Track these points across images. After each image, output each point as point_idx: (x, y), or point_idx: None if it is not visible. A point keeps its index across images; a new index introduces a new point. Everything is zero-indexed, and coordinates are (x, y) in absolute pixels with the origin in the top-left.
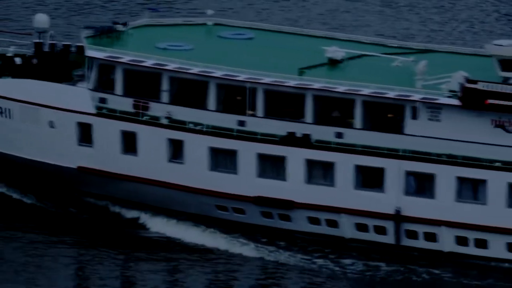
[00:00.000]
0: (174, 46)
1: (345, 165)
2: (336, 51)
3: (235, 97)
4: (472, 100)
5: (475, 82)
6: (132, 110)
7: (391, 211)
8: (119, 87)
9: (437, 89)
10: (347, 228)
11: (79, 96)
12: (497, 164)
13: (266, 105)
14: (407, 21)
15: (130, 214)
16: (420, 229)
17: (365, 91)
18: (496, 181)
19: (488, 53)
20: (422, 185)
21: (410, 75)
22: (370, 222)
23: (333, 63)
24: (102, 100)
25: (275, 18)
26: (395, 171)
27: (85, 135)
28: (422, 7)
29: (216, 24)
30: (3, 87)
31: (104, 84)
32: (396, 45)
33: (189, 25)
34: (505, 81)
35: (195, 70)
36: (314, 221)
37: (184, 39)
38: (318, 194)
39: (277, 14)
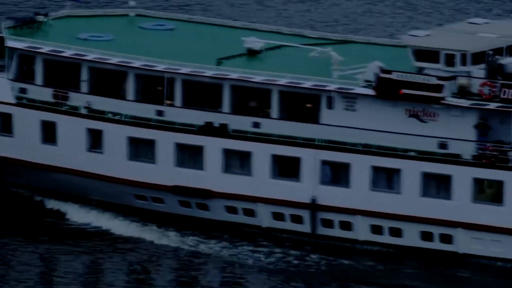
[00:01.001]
0: (95, 37)
1: (261, 155)
2: (254, 42)
3: (153, 87)
4: (386, 90)
5: (389, 72)
6: (52, 100)
7: (307, 200)
8: (39, 77)
9: (353, 79)
10: (264, 217)
11: None
12: (411, 153)
13: (184, 95)
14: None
15: (51, 204)
16: (336, 218)
17: (282, 81)
18: (410, 170)
19: (404, 44)
20: (337, 175)
21: (327, 66)
22: (287, 211)
23: (252, 53)
24: (22, 90)
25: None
26: (311, 161)
27: (5, 125)
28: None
29: (137, 15)
30: None
31: (24, 75)
32: (315, 36)
33: (110, 16)
34: (419, 71)
35: (114, 60)
36: (232, 210)
37: (105, 30)
38: (235, 184)
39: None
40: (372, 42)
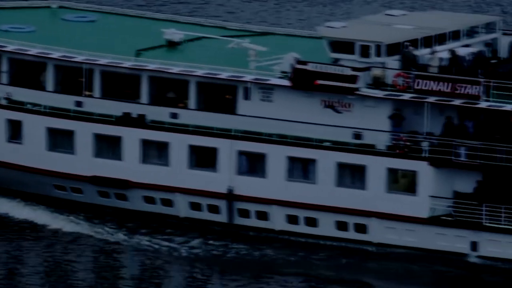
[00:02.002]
0: (16, 28)
1: (179, 145)
2: (174, 33)
3: (73, 78)
4: (302, 81)
5: (305, 63)
6: None
7: (223, 190)
8: None
9: (269, 70)
10: (181, 207)
11: None
12: (326, 143)
13: (103, 86)
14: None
15: None
16: (252, 207)
17: (199, 72)
18: (325, 160)
19: (320, 35)
20: (254, 165)
21: (245, 57)
22: (204, 201)
23: (171, 45)
24: None
25: None
26: (227, 151)
27: None
28: None
29: (60, 7)
30: None
31: None
32: (235, 28)
33: (33, 8)
34: (335, 62)
35: (33, 51)
36: (150, 200)
37: (27, 22)
38: (153, 174)
39: None
40: (291, 34)
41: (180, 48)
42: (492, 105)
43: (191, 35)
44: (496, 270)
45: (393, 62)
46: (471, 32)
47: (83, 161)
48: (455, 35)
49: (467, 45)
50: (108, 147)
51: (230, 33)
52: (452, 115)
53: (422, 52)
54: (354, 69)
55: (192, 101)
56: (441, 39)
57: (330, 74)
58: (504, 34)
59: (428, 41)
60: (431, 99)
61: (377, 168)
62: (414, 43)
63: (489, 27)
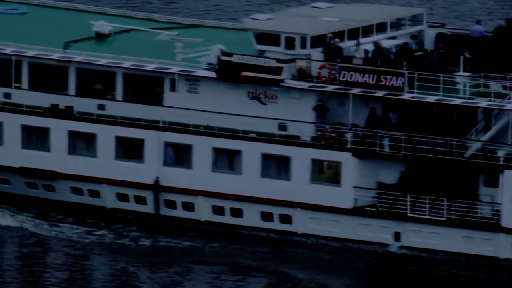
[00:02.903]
0: None
1: (106, 137)
2: (103, 25)
3: (1, 70)
4: (227, 73)
5: (230, 55)
6: None
7: (150, 181)
8: None
9: (196, 62)
10: (108, 198)
11: None
12: (252, 135)
13: (31, 78)
14: None
15: None
16: (178, 198)
17: (125, 64)
18: (250, 152)
19: (246, 27)
20: (180, 156)
21: (173, 49)
22: (131, 192)
23: (100, 37)
24: None
25: None
26: (154, 142)
27: None
28: None
29: None
30: None
31: None
32: (165, 20)
33: None
34: (261, 54)
35: None
36: (77, 191)
37: None
38: (80, 165)
39: None
40: (219, 26)
41: (109, 40)
42: (415, 96)
43: (120, 27)
44: (418, 260)
45: (318, 54)
46: (397, 24)
47: (11, 153)
48: (380, 27)
49: (393, 37)
50: (36, 138)
51: (158, 26)
52: (377, 107)
53: (347, 44)
54: (278, 61)
55: (119, 93)
56: (366, 31)
57: (255, 66)
58: (430, 26)
59: (354, 33)
60: (355, 90)
61: (301, 159)
62: (340, 35)
63: (415, 20)
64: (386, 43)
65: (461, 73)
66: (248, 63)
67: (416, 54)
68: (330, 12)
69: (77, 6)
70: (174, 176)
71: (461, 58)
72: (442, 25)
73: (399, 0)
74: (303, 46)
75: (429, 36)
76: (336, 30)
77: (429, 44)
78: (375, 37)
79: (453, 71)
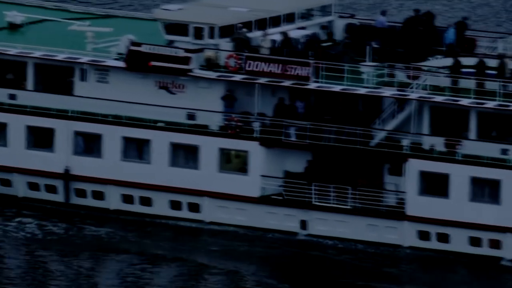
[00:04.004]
0: None
1: (16, 126)
2: (16, 16)
3: None
4: (136, 63)
5: (139, 44)
6: None
7: (60, 170)
8: None
9: (106, 52)
10: (19, 187)
11: None
12: (160, 124)
13: None
14: None
15: None
16: (88, 187)
17: (36, 54)
18: (159, 141)
19: (155, 18)
20: (90, 145)
21: (84, 39)
22: (41, 181)
23: (13, 27)
24: None
25: None
26: (64, 132)
27: None
28: None
29: None
30: None
31: None
32: (78, 11)
33: None
34: (170, 44)
35: None
36: None
37: None
38: None
39: None
40: (132, 17)
41: (22, 30)
42: (322, 86)
43: (33, 18)
44: (324, 248)
45: (226, 44)
46: (307, 14)
47: None
48: (289, 18)
49: (302, 28)
50: None
51: (72, 16)
52: (284, 96)
53: (256, 34)
54: (187, 50)
55: (30, 83)
56: (275, 21)
57: (163, 56)
58: (340, 17)
59: (262, 24)
60: (262, 80)
61: (209, 148)
62: (248, 25)
63: (325, 10)
64: (295, 33)
65: (368, 63)
66: (156, 53)
67: (325, 44)
68: (239, 3)
69: None
70: (84, 165)
71: (368, 48)
72: (351, 16)
73: None
74: (212, 36)
75: (339, 26)
76: (245, 20)
77: (338, 34)
78: (284, 27)
79: (361, 61)
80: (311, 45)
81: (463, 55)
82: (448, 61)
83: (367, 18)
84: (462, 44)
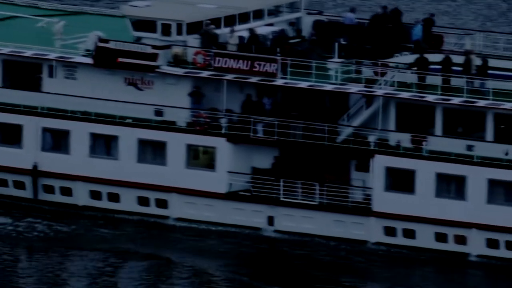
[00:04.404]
0: None
1: None
2: None
3: None
4: (104, 59)
5: (106, 41)
6: None
7: (28, 166)
8: None
9: (74, 48)
10: None
11: None
12: (128, 120)
13: None
14: None
15: None
16: (56, 183)
17: (4, 50)
18: (127, 137)
19: (123, 14)
20: (58, 142)
21: (53, 36)
22: (10, 177)
23: None
24: None
25: None
26: (32, 128)
27: None
28: None
29: None
30: None
31: None
32: (49, 7)
33: None
34: (137, 40)
35: None
36: None
37: None
38: None
39: None
40: (101, 14)
41: None
42: (289, 82)
43: (2, 14)
44: (291, 244)
45: (194, 40)
46: (275, 11)
47: None
48: (258, 14)
49: (270, 24)
50: None
51: (41, 13)
52: (251, 93)
53: (224, 31)
54: (154, 47)
55: None
56: (243, 18)
57: (131, 52)
58: (309, 13)
59: (231, 20)
60: (229, 76)
61: (177, 145)
62: (216, 22)
63: (294, 7)
64: (263, 30)
65: (335, 59)
66: (124, 50)
67: (293, 41)
68: None
69: None
70: (52, 162)
71: (336, 44)
72: (319, 12)
73: None
74: (179, 32)
75: (307, 23)
76: (213, 17)
77: (307, 31)
78: (252, 24)
79: (329, 57)
80: (279, 42)
81: (430, 52)
82: (415, 58)
83: (335, 15)
84: (430, 41)
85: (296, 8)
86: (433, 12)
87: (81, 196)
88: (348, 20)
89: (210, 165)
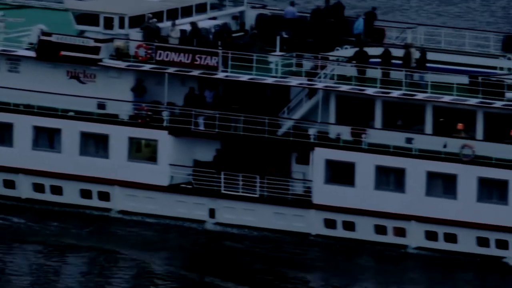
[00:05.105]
0: None
1: None
2: None
3: None
4: (46, 52)
5: (49, 34)
6: None
7: None
8: None
9: (18, 42)
10: None
11: None
12: (71, 113)
13: None
14: None
15: None
16: None
17: None
18: (69, 130)
19: (66, 8)
20: (1, 135)
21: None
22: None
23: None
24: None
25: None
26: None
27: None
28: None
29: None
30: None
31: None
32: None
33: None
34: (80, 34)
35: None
36: None
37: None
38: None
39: None
40: (45, 7)
41: None
42: (230, 75)
43: None
44: (232, 236)
45: (136, 34)
46: (218, 5)
47: None
48: (201, 8)
49: (213, 18)
50: None
51: None
52: (194, 86)
53: (167, 25)
54: (96, 40)
55: None
56: (186, 12)
57: (73, 46)
58: (252, 7)
59: (173, 14)
60: (171, 69)
61: (119, 138)
62: (159, 15)
63: (237, 1)
64: (205, 24)
65: (276, 52)
66: (66, 43)
67: (236, 34)
68: None
69: None
70: None
71: (278, 38)
72: (263, 6)
73: None
74: (122, 26)
75: (250, 17)
76: (155, 10)
77: (249, 24)
78: (195, 17)
79: (271, 51)
80: (221, 35)
81: (370, 45)
82: (354, 51)
83: (278, 9)
84: (372, 35)
85: (239, 2)
86: (375, 6)
87: (24, 189)
88: (290, 14)
89: (152, 158)
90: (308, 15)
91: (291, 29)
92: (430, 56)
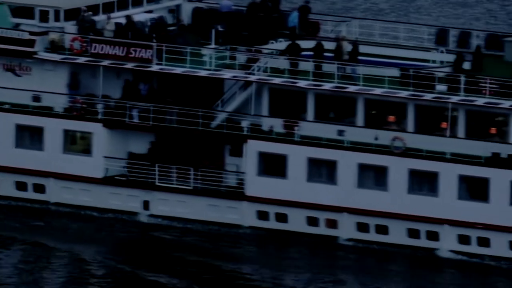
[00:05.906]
0: None
1: None
2: None
3: None
4: None
5: None
6: None
7: None
8: None
9: None
10: None
11: None
12: (6, 106)
13: None
14: None
15: None
16: None
17: None
18: (4, 122)
19: (2, 1)
20: None
21: None
22: None
23: None
24: None
25: None
26: None
27: None
28: None
29: None
30: None
31: None
32: None
33: None
34: (16, 26)
35: None
36: None
37: None
38: None
39: None
40: None
41: None
42: (164, 68)
43: None
44: (166, 228)
45: (71, 27)
46: None
47: None
48: (137, 2)
49: (149, 11)
50: None
51: None
52: (130, 78)
53: (102, 18)
54: (31, 33)
55: None
56: (122, 5)
57: (8, 38)
58: (189, 1)
59: (109, 7)
60: (105, 62)
61: (54, 130)
62: (95, 8)
63: None
64: (141, 17)
65: (210, 45)
66: (1, 36)
67: (171, 28)
68: None
69: None
70: None
71: (213, 31)
72: (199, 0)
73: None
74: (57, 19)
75: (187, 10)
76: (91, 3)
77: (186, 18)
78: (131, 10)
79: (206, 44)
80: (156, 29)
81: (305, 38)
82: (287, 44)
83: (214, 2)
84: (306, 28)
85: None
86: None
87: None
88: (226, 7)
89: (86, 150)
90: (245, 8)
91: (227, 23)
92: (363, 49)
